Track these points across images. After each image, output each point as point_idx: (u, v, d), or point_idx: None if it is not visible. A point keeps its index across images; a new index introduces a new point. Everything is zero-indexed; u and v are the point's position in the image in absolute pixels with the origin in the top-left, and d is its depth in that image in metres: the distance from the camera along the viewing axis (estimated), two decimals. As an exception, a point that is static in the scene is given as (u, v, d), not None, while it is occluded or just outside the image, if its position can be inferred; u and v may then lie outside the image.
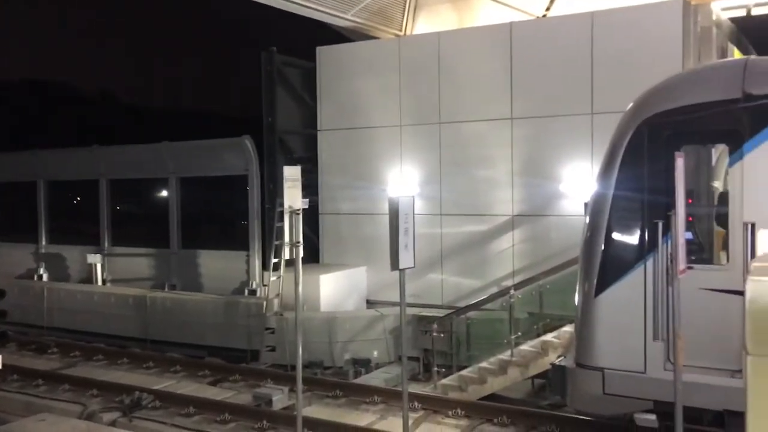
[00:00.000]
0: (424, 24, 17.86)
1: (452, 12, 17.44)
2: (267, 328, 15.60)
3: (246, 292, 17.13)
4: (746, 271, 7.31)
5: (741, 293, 7.36)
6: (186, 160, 19.12)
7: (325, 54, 17.94)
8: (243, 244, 17.61)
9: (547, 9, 16.19)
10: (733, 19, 14.99)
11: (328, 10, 16.60)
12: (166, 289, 18.44)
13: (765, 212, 7.50)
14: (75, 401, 11.77)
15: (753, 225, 7.45)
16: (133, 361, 14.55)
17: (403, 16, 17.91)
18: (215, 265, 18.37)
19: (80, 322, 18.20)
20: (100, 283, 19.62)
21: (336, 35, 18.16)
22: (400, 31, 18.04)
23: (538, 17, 16.24)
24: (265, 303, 15.88)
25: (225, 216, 19.93)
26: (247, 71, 19.62)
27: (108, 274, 19.89)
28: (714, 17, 14.39)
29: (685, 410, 6.67)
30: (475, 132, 15.80)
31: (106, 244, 20.36)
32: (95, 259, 19.64)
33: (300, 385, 9.26)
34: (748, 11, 14.38)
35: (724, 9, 14.58)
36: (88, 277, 19.85)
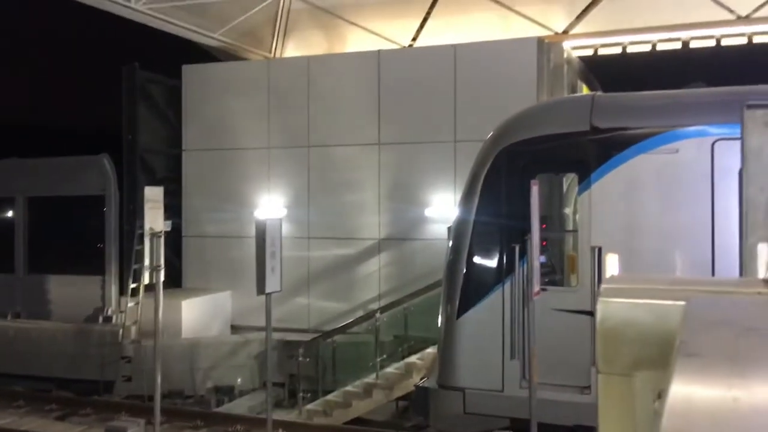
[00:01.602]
0: (294, 48, 17.88)
1: (322, 37, 17.59)
2: (123, 357, 14.77)
3: (100, 319, 16.15)
4: (594, 292, 7.80)
5: (590, 313, 7.88)
6: (36, 179, 17.86)
7: (192, 72, 17.48)
8: (99, 269, 16.63)
9: (414, 39, 16.72)
10: (581, 58, 16.17)
11: (195, 29, 16.22)
12: (9, 318, 17.02)
13: (611, 237, 8.07)
14: None
15: (600, 249, 7.99)
16: (-31, 396, 13.27)
17: (273, 38, 17.84)
18: (66, 291, 17.19)
19: None
20: (-70, 311, 17.78)
21: (203, 54, 17.76)
22: (270, 53, 17.94)
23: (404, 47, 16.73)
24: (121, 330, 15.04)
25: (79, 239, 18.74)
26: (108, 86, 18.69)
27: (-59, 301, 18.07)
28: (565, 55, 15.46)
29: (539, 426, 6.98)
30: (344, 156, 15.93)
31: (-61, 269, 18.53)
32: (-75, 285, 17.80)
33: (158, 417, 8.82)
34: (595, 51, 15.58)
35: (574, 48, 15.70)
36: None
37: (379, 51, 15.95)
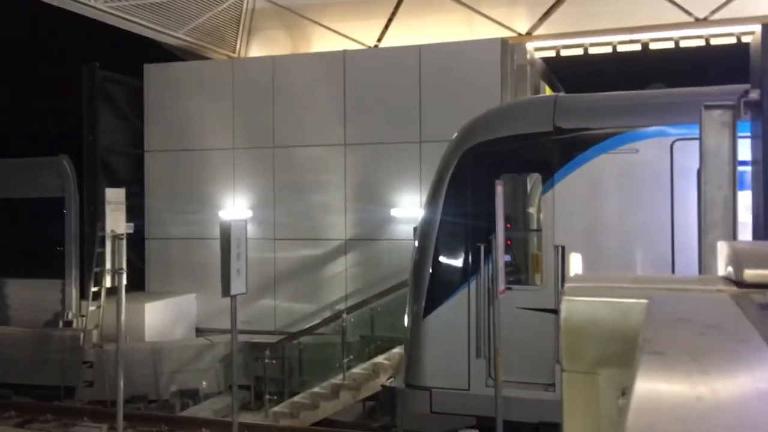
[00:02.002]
0: (258, 47, 17.75)
1: (286, 37, 17.50)
2: (84, 362, 14.49)
3: (60, 323, 15.82)
4: (558, 290, 7.90)
5: (554, 311, 7.97)
6: (-7, 180, 17.41)
7: (154, 72, 17.23)
8: (58, 272, 16.29)
9: (379, 40, 16.72)
10: (544, 59, 16.35)
11: (157, 28, 15.98)
12: (-34, 323, 16.57)
13: (574, 236, 8.18)
14: None
15: (563, 248, 8.09)
16: (-77, 405, 12.89)
17: (237, 37, 17.68)
18: (25, 295, 16.79)
19: None
20: None
21: (166, 53, 17.51)
22: (234, 52, 17.78)
23: (370, 47, 16.72)
24: (82, 335, 14.76)
25: (38, 241, 18.33)
26: (68, 86, 18.37)
27: None
28: (528, 56, 15.61)
29: (505, 424, 7.04)
30: (310, 157, 15.87)
31: None
32: None
33: (121, 422, 8.68)
34: (557, 52, 15.78)
35: (536, 49, 15.87)
36: None
37: (344, 51, 15.92)
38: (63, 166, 16.28)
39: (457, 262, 8.57)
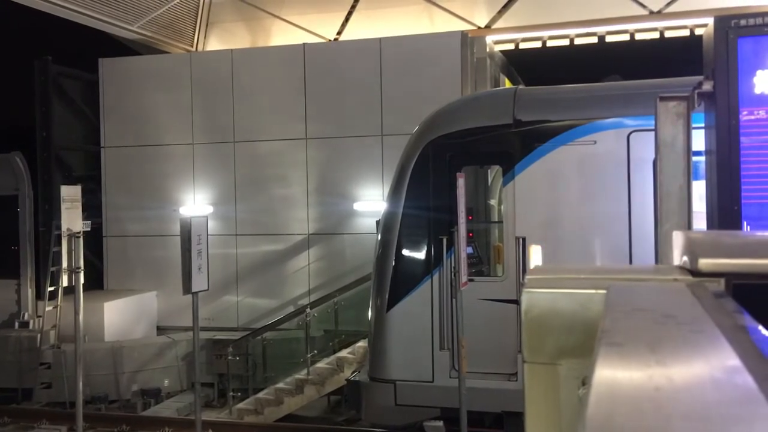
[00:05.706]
0: (217, 41, 17.52)
1: (245, 30, 17.30)
2: (42, 364, 14.18)
3: (16, 324, 15.46)
4: (520, 281, 7.99)
5: (516, 302, 8.06)
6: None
7: (109, 66, 16.88)
8: (13, 272, 15.90)
9: (339, 33, 16.65)
10: (503, 52, 16.47)
11: (112, 21, 15.64)
12: None
13: (534, 227, 8.27)
14: None
15: (524, 239, 8.18)
16: None
17: (195, 31, 17.42)
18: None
19: None
20: None
21: (122, 47, 17.16)
22: (192, 46, 17.51)
23: (329, 40, 16.63)
24: (39, 336, 14.44)
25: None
26: (20, 81, 17.93)
27: None
28: (488, 49, 15.71)
29: (469, 414, 7.11)
30: (271, 151, 15.74)
31: None
32: None
33: (80, 423, 8.52)
34: (516, 45, 15.91)
35: (496, 42, 15.97)
36: None
37: (304, 44, 15.81)
38: (16, 163, 15.89)
39: (420, 255, 8.61)
